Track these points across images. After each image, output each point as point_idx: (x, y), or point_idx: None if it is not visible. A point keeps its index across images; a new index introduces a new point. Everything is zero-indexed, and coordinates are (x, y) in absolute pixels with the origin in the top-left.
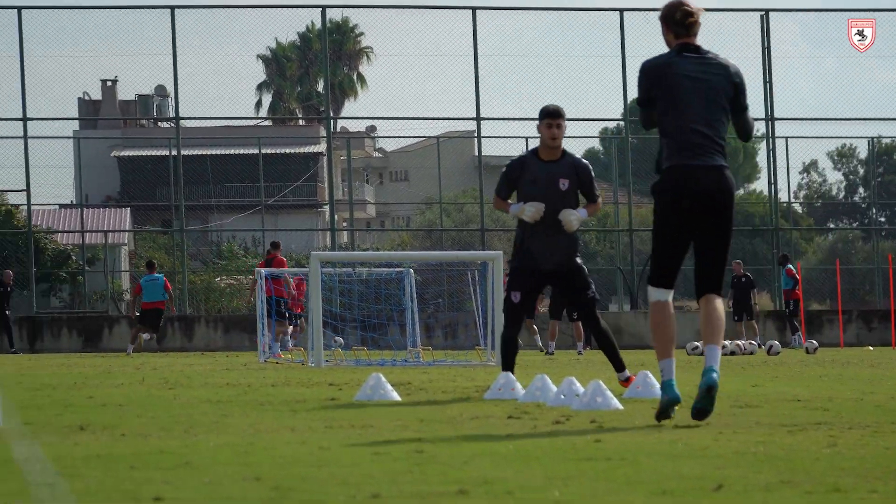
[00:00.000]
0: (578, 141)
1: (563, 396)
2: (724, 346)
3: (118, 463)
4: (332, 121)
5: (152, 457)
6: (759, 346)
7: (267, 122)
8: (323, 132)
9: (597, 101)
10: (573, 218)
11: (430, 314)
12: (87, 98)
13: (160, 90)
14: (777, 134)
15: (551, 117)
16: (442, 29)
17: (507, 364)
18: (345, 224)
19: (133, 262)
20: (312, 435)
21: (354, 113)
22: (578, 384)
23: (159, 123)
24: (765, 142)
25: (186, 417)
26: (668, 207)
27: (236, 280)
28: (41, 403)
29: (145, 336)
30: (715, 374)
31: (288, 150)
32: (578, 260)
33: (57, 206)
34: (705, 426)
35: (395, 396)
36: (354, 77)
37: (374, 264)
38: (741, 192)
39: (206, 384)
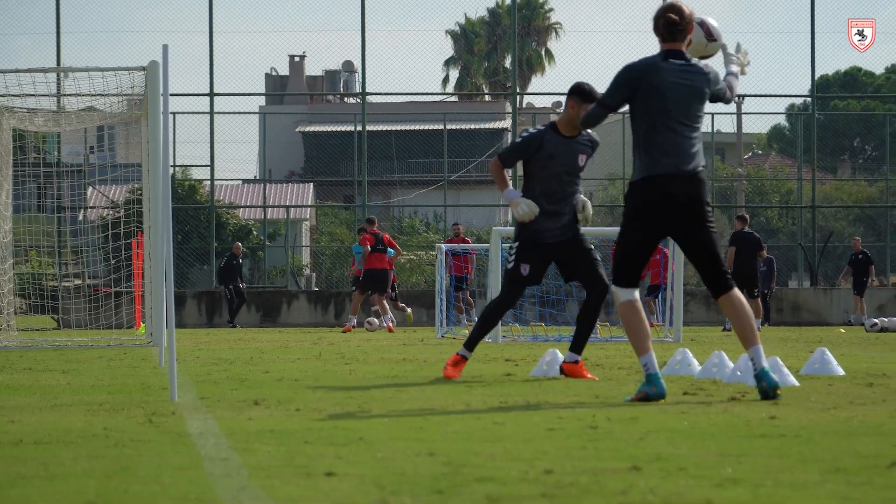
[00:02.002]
0: (764, 117)
1: (739, 373)
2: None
3: (291, 438)
4: (518, 97)
5: (325, 432)
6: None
7: (453, 98)
8: (508, 108)
9: (784, 77)
10: (590, 211)
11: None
12: (274, 74)
13: (347, 66)
14: None
15: (585, 100)
16: (631, 4)
17: (475, 340)
18: None
19: (314, 238)
20: (487, 411)
21: (541, 89)
22: None
23: (345, 99)
24: None
25: (361, 393)
26: (646, 214)
27: (416, 255)
28: (217, 378)
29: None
30: (775, 377)
31: (473, 126)
32: (580, 232)
33: (240, 182)
34: (881, 403)
35: None
36: (542, 53)
37: None
38: None
39: (382, 359)
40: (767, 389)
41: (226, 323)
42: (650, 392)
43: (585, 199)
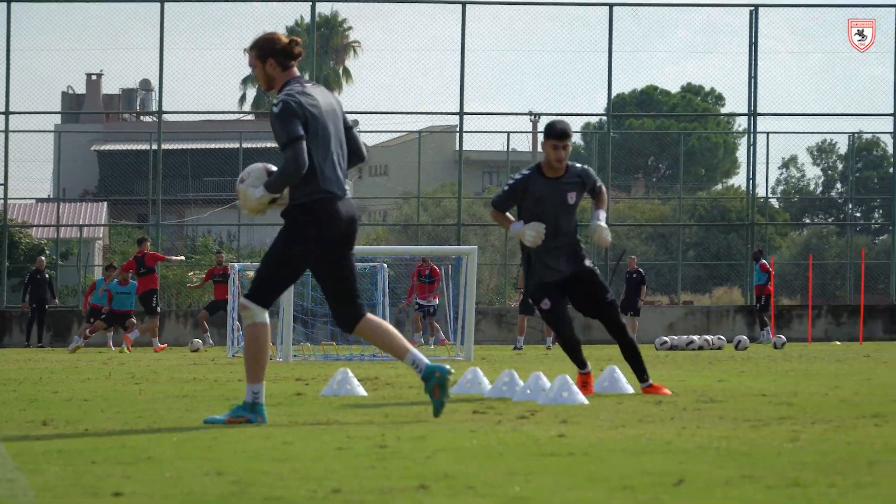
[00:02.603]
0: None
1: (529, 391)
2: (692, 341)
3: (79, 458)
4: None
5: (114, 451)
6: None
7: (250, 117)
8: None
9: (580, 95)
10: (606, 234)
11: (402, 309)
12: (71, 92)
13: (145, 84)
14: (759, 129)
15: (558, 139)
16: (430, 23)
17: (578, 362)
18: None
19: (107, 257)
20: (276, 430)
21: None
22: (545, 379)
23: (142, 118)
24: (746, 137)
25: (151, 412)
26: (315, 238)
27: None
28: (5, 398)
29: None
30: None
31: (269, 145)
32: (588, 263)
33: (34, 201)
34: (669, 421)
35: (362, 392)
36: (340, 71)
37: None
38: (719, 186)
39: (172, 379)
40: (441, 380)
41: (21, 343)
42: (253, 420)
43: (599, 225)
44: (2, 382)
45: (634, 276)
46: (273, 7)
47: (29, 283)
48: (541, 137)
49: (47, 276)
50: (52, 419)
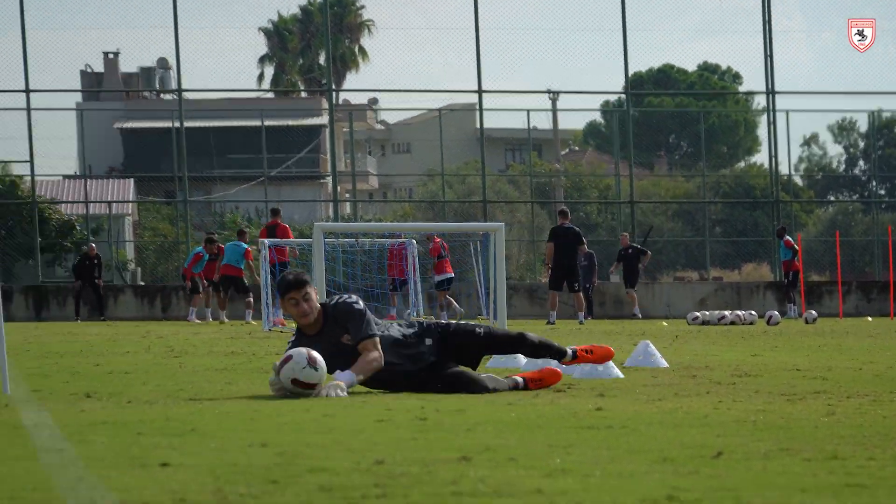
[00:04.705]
0: (580, 114)
1: (565, 366)
2: (724, 316)
3: (125, 429)
4: (333, 93)
5: (158, 423)
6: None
7: (269, 95)
8: (325, 104)
9: (598, 73)
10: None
11: (433, 284)
12: (89, 70)
13: (162, 63)
14: (778, 107)
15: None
16: (443, 1)
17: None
18: (347, 195)
19: (137, 233)
20: (316, 403)
21: (356, 85)
22: None
23: (161, 95)
24: (765, 115)
25: (191, 385)
26: None
27: None
28: (48, 371)
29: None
30: None
31: (290, 123)
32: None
33: (61, 177)
34: (705, 395)
35: None
36: (356, 50)
37: (378, 235)
38: (742, 164)
39: (210, 352)
40: None
41: (60, 317)
42: None
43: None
44: (44, 355)
45: (630, 251)
46: None
47: (79, 266)
48: (561, 115)
49: (96, 261)
50: (96, 392)
